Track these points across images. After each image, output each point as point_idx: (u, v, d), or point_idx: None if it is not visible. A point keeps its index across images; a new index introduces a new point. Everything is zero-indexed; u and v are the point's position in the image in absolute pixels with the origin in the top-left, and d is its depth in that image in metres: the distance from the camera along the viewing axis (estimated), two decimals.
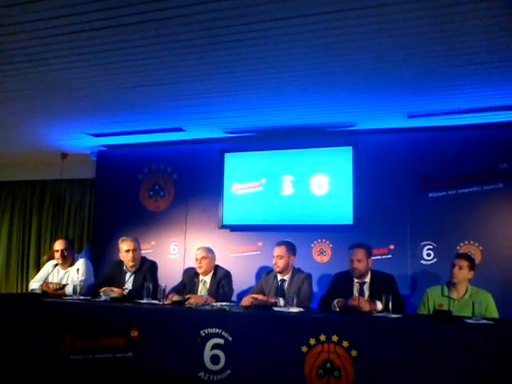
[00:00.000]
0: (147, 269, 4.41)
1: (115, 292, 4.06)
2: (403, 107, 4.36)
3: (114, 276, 4.45)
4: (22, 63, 3.53)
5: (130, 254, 4.35)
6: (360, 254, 3.83)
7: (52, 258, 4.69)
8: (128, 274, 4.42)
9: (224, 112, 4.58)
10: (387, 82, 3.77)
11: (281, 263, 4.06)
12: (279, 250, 4.08)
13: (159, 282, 4.29)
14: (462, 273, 3.66)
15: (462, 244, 4.61)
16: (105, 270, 4.71)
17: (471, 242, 4.60)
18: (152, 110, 4.60)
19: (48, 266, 4.64)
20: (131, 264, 4.39)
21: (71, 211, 6.59)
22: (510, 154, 4.59)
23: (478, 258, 4.52)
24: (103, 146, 5.97)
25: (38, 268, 5.88)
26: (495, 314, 3.58)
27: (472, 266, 3.70)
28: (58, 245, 4.55)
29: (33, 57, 3.42)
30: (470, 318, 3.17)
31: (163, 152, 5.81)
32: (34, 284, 4.49)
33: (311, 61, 3.40)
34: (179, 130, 5.19)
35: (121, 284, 4.35)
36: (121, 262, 4.48)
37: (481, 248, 4.57)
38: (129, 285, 4.36)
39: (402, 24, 2.87)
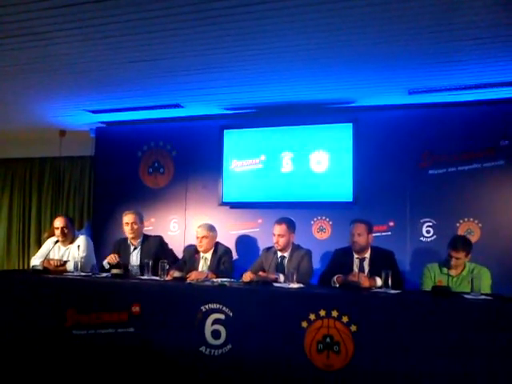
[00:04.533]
0: (157, 245, 4.52)
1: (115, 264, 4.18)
2: (404, 83, 4.31)
3: (119, 252, 4.54)
4: (18, 37, 3.46)
5: (129, 226, 4.48)
6: (361, 228, 3.85)
7: (52, 235, 4.71)
8: (131, 249, 4.52)
9: (223, 88, 4.53)
10: (388, 57, 3.71)
11: (282, 242, 4.08)
12: (280, 229, 4.08)
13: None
14: (460, 262, 3.67)
15: (461, 221, 4.62)
16: (107, 247, 4.80)
17: (470, 219, 4.61)
18: (150, 86, 4.55)
19: (49, 243, 4.66)
20: (130, 236, 4.51)
21: (71, 188, 6.58)
22: (511, 130, 4.57)
23: (477, 235, 4.55)
24: (102, 122, 5.93)
25: (39, 245, 5.90)
26: (487, 291, 3.58)
27: (469, 251, 3.67)
28: (58, 222, 4.56)
29: (29, 30, 3.34)
30: (468, 293, 3.20)
31: (162, 129, 5.77)
32: (36, 261, 4.52)
33: (312, 35, 3.35)
34: (178, 106, 5.15)
35: (126, 260, 4.45)
36: (126, 239, 4.60)
37: (480, 225, 4.58)
38: (133, 259, 4.47)
39: None
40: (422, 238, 4.75)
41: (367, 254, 3.90)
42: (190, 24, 3.21)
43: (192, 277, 3.85)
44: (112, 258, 4.30)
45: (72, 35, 3.42)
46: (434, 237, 4.70)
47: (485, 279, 3.59)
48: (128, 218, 4.51)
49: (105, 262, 4.37)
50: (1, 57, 3.85)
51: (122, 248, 4.58)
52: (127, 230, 4.52)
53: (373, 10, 2.98)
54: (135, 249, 4.53)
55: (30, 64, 4.00)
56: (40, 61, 3.92)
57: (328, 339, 3.14)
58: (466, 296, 3.13)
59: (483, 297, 3.12)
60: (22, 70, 4.13)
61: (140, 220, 4.58)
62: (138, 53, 3.73)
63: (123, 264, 4.31)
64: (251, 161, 5.31)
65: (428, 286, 3.65)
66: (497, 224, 4.54)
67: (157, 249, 4.49)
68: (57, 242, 4.59)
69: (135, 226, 4.50)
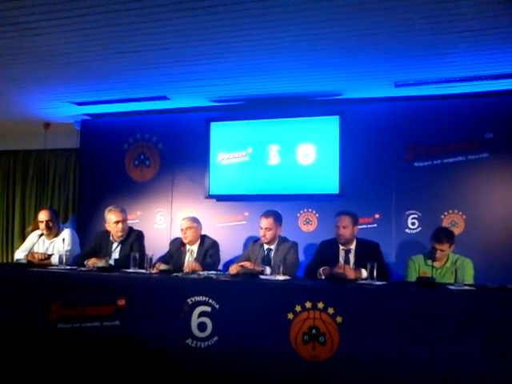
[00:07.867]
0: (134, 238, 4.40)
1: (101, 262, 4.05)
2: (390, 76, 4.33)
3: (100, 246, 4.43)
4: (0, 27, 3.41)
5: (120, 225, 4.33)
6: (346, 220, 3.86)
7: (37, 228, 4.65)
8: (115, 244, 4.40)
9: (209, 80, 4.51)
10: (375, 50, 3.73)
11: (269, 235, 4.08)
12: (267, 222, 4.08)
13: (146, 251, 4.29)
14: (445, 253, 3.71)
15: (445, 213, 4.67)
16: (91, 240, 4.68)
17: (455, 211, 4.66)
18: (136, 78, 4.51)
19: (33, 236, 4.60)
20: (120, 235, 4.37)
21: (55, 181, 6.52)
22: (495, 123, 4.61)
23: (461, 227, 4.61)
24: (87, 114, 5.87)
25: (23, 238, 5.84)
26: (470, 281, 3.63)
27: (453, 241, 3.71)
28: (43, 215, 4.50)
29: (11, 21, 3.30)
30: (452, 284, 3.24)
31: (148, 121, 5.73)
32: (20, 254, 4.46)
33: (298, 27, 3.35)
34: (164, 98, 5.11)
35: (107, 254, 4.33)
36: (107, 232, 4.45)
37: (464, 217, 4.63)
38: (115, 254, 4.35)
39: None
40: (407, 230, 4.79)
41: (353, 246, 3.92)
42: (176, 15, 3.19)
43: (189, 267, 3.85)
44: (98, 262, 4.04)
45: (55, 26, 3.38)
46: (419, 229, 4.75)
47: (468, 270, 3.64)
48: (117, 216, 4.30)
49: (87, 264, 4.11)
50: None
51: (104, 242, 4.42)
52: (117, 229, 4.32)
53: (359, 2, 2.98)
54: (119, 244, 4.37)
55: (13, 55, 3.94)
56: (23, 52, 3.87)
57: (314, 330, 3.16)
58: (450, 287, 3.17)
59: (466, 287, 3.15)
60: (4, 61, 4.07)
61: (126, 216, 4.45)
62: (124, 44, 3.70)
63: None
64: (238, 153, 5.30)
65: (412, 278, 3.69)
66: (480, 216, 4.59)
67: (132, 243, 4.35)
68: (41, 235, 4.53)
69: (124, 224, 4.36)
